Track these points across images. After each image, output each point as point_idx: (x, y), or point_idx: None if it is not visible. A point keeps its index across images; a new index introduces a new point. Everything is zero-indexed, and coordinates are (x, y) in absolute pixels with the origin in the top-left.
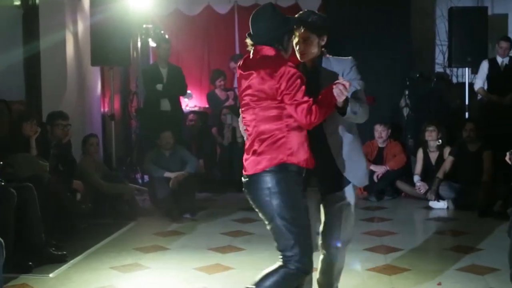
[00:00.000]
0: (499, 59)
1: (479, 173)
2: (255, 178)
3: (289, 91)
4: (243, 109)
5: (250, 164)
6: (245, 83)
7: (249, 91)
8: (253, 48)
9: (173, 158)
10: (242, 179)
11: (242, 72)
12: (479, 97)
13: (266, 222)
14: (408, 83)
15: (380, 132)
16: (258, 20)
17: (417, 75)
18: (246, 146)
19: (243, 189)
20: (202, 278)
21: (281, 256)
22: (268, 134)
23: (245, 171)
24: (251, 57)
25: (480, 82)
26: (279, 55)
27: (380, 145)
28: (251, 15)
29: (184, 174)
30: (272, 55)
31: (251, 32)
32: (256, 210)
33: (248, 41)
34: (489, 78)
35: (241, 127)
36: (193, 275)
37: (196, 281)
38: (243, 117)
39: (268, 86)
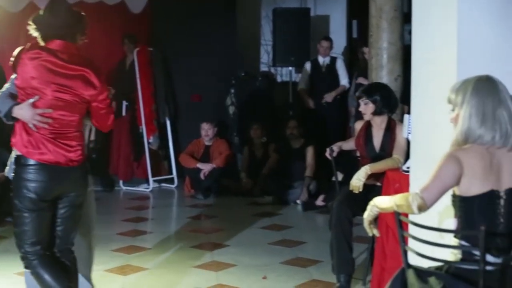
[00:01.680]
0: (321, 59)
1: (303, 169)
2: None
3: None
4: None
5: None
6: (64, 81)
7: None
8: (44, 39)
9: None
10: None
11: (60, 68)
12: None
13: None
14: (233, 81)
15: (207, 130)
16: (55, 13)
17: (243, 74)
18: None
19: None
20: (24, 283)
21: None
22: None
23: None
24: (54, 49)
25: (301, 83)
26: (82, 54)
27: (206, 143)
28: (46, 6)
29: (4, 175)
30: (77, 53)
31: (41, 23)
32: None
33: (33, 31)
34: (312, 78)
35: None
36: (15, 281)
37: (18, 287)
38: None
39: (89, 94)
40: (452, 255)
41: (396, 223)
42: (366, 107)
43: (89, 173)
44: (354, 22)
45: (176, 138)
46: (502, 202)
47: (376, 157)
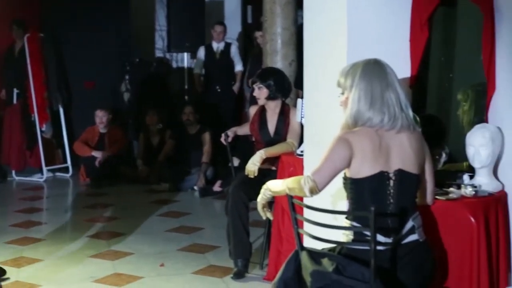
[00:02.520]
0: (215, 45)
1: (199, 155)
2: None
3: None
4: None
5: None
6: None
7: None
8: None
9: None
10: None
11: None
12: None
13: None
14: (128, 68)
15: (101, 117)
16: None
17: (137, 60)
18: None
19: None
20: None
21: None
22: None
23: None
24: None
25: (196, 68)
26: None
27: (101, 131)
28: None
29: None
30: None
31: None
32: None
33: None
34: (206, 63)
35: None
36: None
37: None
38: None
39: None
40: (344, 236)
41: (289, 206)
42: (260, 92)
43: None
44: (249, 8)
45: (70, 126)
46: (391, 183)
47: (270, 142)
